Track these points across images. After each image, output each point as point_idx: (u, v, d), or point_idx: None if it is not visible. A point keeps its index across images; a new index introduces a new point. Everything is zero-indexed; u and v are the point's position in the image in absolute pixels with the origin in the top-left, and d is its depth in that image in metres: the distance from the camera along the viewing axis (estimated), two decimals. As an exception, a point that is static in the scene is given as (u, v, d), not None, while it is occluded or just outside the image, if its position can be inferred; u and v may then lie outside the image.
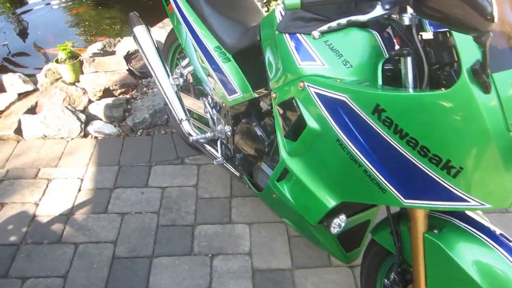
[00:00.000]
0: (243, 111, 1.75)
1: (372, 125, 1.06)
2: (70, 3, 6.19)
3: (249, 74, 1.66)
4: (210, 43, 1.83)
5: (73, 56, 3.02)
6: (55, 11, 5.76)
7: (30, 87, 3.02)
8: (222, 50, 1.77)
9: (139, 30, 2.19)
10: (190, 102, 2.20)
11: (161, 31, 3.54)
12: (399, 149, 1.03)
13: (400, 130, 1.00)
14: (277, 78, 1.38)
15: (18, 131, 2.71)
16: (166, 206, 2.22)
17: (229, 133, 1.88)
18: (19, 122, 2.73)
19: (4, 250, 2.00)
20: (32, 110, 2.86)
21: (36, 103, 2.90)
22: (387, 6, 1.01)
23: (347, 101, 1.10)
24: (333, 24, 1.08)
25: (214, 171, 2.44)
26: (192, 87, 2.21)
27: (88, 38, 4.43)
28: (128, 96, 2.99)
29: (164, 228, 2.10)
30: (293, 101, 1.29)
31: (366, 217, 1.57)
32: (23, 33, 5.21)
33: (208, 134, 2.01)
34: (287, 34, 1.31)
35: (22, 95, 2.99)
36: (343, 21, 1.07)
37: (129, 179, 2.39)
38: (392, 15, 1.05)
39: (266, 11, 3.10)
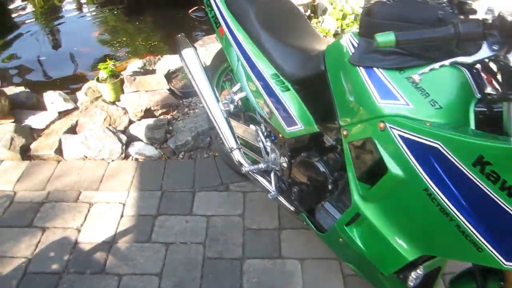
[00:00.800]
0: (303, 144, 1.67)
1: (472, 178, 0.96)
2: (101, 14, 6.29)
3: (311, 105, 1.58)
4: (267, 70, 1.76)
5: (114, 75, 3.01)
6: (87, 21, 5.86)
7: (70, 105, 3.02)
8: (280, 78, 1.71)
9: (188, 53, 2.15)
10: (240, 129, 2.14)
11: (201, 50, 3.51)
12: (505, 207, 0.93)
13: (508, 187, 0.90)
14: (349, 114, 1.30)
15: (59, 151, 2.70)
16: (212, 237, 2.15)
17: (285, 165, 1.80)
18: (60, 142, 2.73)
19: (47, 278, 1.96)
20: (72, 130, 2.85)
21: (77, 122, 2.89)
22: (495, 47, 0.92)
23: (440, 148, 1.01)
24: (435, 66, 0.99)
25: (260, 199, 2.36)
26: (242, 113, 2.14)
27: (124, 53, 4.46)
28: (169, 116, 2.96)
29: (211, 261, 2.03)
30: (370, 142, 1.20)
31: (437, 263, 1.46)
32: (56, 44, 5.31)
33: (261, 165, 1.94)
34: (362, 68, 1.23)
35: (62, 114, 2.99)
36: (446, 63, 0.98)
37: (172, 206, 2.34)
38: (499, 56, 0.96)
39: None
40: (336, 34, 4.02)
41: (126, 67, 3.42)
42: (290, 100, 1.67)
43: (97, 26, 5.79)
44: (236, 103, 2.07)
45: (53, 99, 2.99)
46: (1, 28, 5.76)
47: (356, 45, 1.29)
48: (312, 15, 4.29)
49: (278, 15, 1.92)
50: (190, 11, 2.34)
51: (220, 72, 2.44)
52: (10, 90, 3.06)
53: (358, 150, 1.28)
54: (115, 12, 6.33)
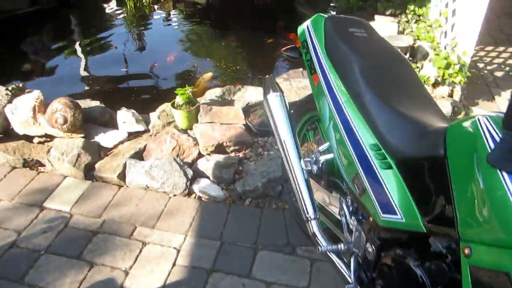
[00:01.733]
0: (400, 239, 1.38)
1: None
2: (188, 26, 6.36)
3: (419, 196, 1.28)
4: (366, 139, 1.49)
5: (191, 101, 2.88)
6: (173, 32, 5.93)
7: (141, 127, 2.93)
8: (381, 152, 1.43)
9: (274, 99, 1.93)
10: (321, 193, 1.88)
11: (285, 83, 3.32)
12: None
13: None
14: (477, 229, 0.99)
15: (122, 175, 2.60)
16: (270, 312, 1.90)
17: (370, 253, 1.51)
18: (124, 166, 2.62)
19: (85, 325, 1.82)
20: (139, 154, 2.75)
21: (145, 147, 2.78)
22: None
23: None
24: None
25: (330, 272, 2.07)
26: (326, 176, 1.89)
27: (204, 72, 4.38)
28: (241, 154, 2.77)
29: None
30: (507, 278, 0.89)
31: None
32: (141, 51, 5.40)
33: (341, 246, 1.66)
34: (506, 174, 0.93)
35: (132, 135, 2.91)
36: None
37: (230, 262, 2.11)
38: None
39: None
40: (435, 83, 3.66)
41: (203, 86, 3.29)
42: (391, 181, 1.38)
43: (181, 39, 5.85)
44: (320, 165, 1.82)
45: (125, 118, 2.91)
46: (95, 29, 6.02)
47: (497, 138, 1.00)
48: (410, 59, 3.95)
49: (387, 71, 1.65)
50: (283, 49, 2.14)
51: (306, 120, 2.21)
52: (86, 103, 3.03)
53: (486, 280, 0.97)
54: (201, 26, 6.39)
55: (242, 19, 6.57)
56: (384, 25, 4.37)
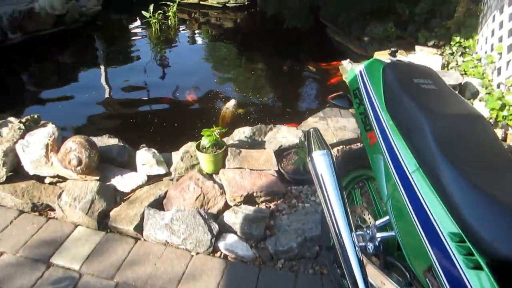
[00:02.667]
0: None
1: None
2: (214, 48, 6.18)
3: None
4: (443, 223, 1.19)
5: (218, 143, 2.63)
6: (197, 54, 5.75)
7: (162, 170, 2.68)
8: (465, 245, 1.13)
9: (321, 159, 1.65)
10: (375, 275, 1.58)
11: (321, 123, 3.05)
12: None
13: None
14: None
15: (139, 228, 2.34)
16: None
17: None
18: (142, 216, 2.37)
19: None
20: (159, 203, 2.49)
21: (166, 194, 2.53)
22: None
23: None
24: None
25: None
26: (382, 255, 1.59)
27: (230, 100, 4.15)
28: (272, 206, 2.49)
29: None
30: None
31: None
32: (163, 75, 5.22)
33: None
34: None
35: (152, 179, 2.66)
36: None
37: None
38: None
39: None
40: (488, 126, 3.32)
41: (229, 116, 3.03)
42: (478, 284, 1.09)
43: (205, 62, 5.68)
44: (377, 243, 1.52)
45: (145, 160, 2.67)
46: (118, 50, 5.91)
47: None
48: (457, 96, 3.64)
49: (466, 137, 1.35)
50: (330, 97, 1.88)
51: (352, 178, 1.93)
52: (103, 141, 2.81)
53: None
54: (227, 49, 6.21)
55: (270, 43, 6.37)
56: (426, 58, 4.09)
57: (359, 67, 1.75)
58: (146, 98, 4.44)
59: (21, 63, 5.43)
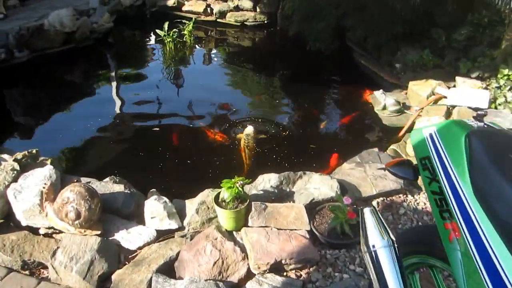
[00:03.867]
0: None
1: None
2: (230, 68, 5.88)
3: None
4: None
5: (240, 197, 2.29)
6: (213, 76, 5.43)
7: (174, 224, 2.34)
8: None
9: (383, 254, 1.29)
10: None
11: (357, 170, 2.68)
12: None
13: None
14: None
15: (145, 298, 2.00)
16: None
17: None
18: (149, 284, 2.02)
19: None
20: (169, 266, 2.14)
21: (177, 255, 2.18)
22: None
23: None
24: None
25: None
26: None
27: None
28: (304, 275, 2.12)
29: None
30: None
31: None
32: (176, 101, 4.90)
33: None
34: None
35: (162, 235, 2.32)
36: None
37: None
38: None
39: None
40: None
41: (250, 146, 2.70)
42: None
43: (221, 84, 5.37)
44: None
45: (155, 212, 2.33)
46: (131, 69, 5.65)
47: None
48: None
49: None
50: (388, 164, 1.53)
51: (411, 263, 1.57)
52: (106, 187, 2.48)
53: None
54: (243, 70, 5.90)
55: (290, 65, 6.05)
56: (469, 91, 3.72)
57: (429, 129, 1.40)
58: (158, 128, 4.10)
59: (28, 83, 5.19)
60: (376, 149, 3.05)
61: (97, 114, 4.32)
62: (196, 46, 6.65)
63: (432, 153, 1.35)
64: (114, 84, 5.19)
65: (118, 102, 4.67)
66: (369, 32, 5.35)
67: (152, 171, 3.30)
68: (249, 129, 3.80)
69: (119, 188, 2.47)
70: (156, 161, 3.43)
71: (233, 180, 2.26)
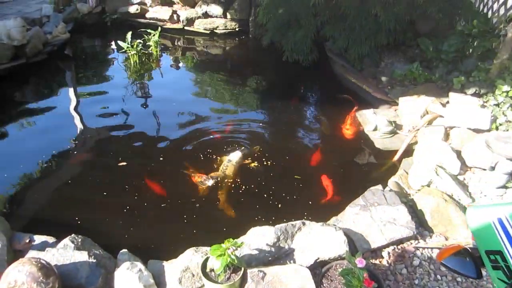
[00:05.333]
0: None
1: None
2: (201, 79, 5.45)
3: None
4: None
5: (233, 266, 1.90)
6: (184, 86, 4.94)
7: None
8: None
9: None
10: None
11: (362, 215, 2.34)
12: None
13: None
14: None
15: None
16: None
17: None
18: None
19: None
20: None
21: None
22: None
23: None
24: None
25: None
26: None
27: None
28: None
29: None
30: None
31: None
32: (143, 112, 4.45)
33: None
34: None
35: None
36: None
37: None
38: None
39: None
40: None
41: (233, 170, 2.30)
42: None
43: (189, 96, 4.93)
44: None
45: (129, 283, 1.93)
46: (90, 84, 5.11)
47: None
48: None
49: None
50: (440, 255, 1.20)
51: None
52: (65, 255, 2.03)
53: None
54: (215, 80, 5.47)
55: (266, 77, 5.67)
56: (468, 110, 3.46)
57: (495, 213, 1.07)
58: (125, 163, 3.57)
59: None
60: (380, 187, 2.72)
61: (51, 141, 3.80)
62: (163, 56, 6.18)
63: (507, 248, 1.02)
64: (72, 104, 4.65)
65: (79, 126, 4.15)
66: (350, 42, 5.06)
67: (120, 219, 2.81)
68: (235, 155, 3.43)
69: (81, 256, 2.02)
70: (125, 206, 2.93)
71: (223, 246, 1.86)
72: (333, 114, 4.40)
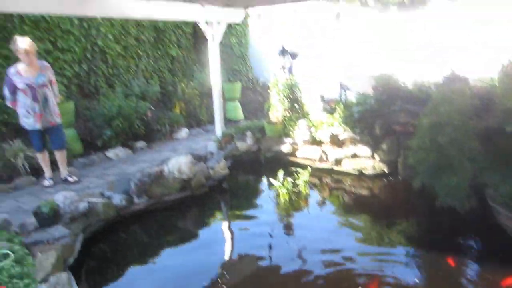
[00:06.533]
0: None
1: None
2: (351, 225, 5.39)
3: None
4: None
5: None
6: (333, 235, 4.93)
7: None
8: None
9: None
10: None
11: None
12: None
13: None
14: None
15: None
16: None
17: None
18: None
19: None
20: None
21: None
22: None
23: None
24: None
25: None
26: None
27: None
28: None
29: None
30: None
31: None
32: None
33: None
34: None
35: None
36: None
37: None
38: None
39: None
40: None
41: None
42: None
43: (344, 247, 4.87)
44: None
45: None
46: (241, 219, 5.44)
47: None
48: None
49: None
50: None
51: None
52: None
53: None
54: (368, 229, 5.38)
55: (416, 223, 5.43)
56: None
57: None
58: None
59: (143, 230, 5.22)
60: None
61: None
62: (311, 195, 6.36)
63: None
64: (226, 235, 5.01)
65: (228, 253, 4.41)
66: (517, 190, 4.66)
67: None
68: None
69: None
70: None
71: None
72: (497, 274, 3.96)
